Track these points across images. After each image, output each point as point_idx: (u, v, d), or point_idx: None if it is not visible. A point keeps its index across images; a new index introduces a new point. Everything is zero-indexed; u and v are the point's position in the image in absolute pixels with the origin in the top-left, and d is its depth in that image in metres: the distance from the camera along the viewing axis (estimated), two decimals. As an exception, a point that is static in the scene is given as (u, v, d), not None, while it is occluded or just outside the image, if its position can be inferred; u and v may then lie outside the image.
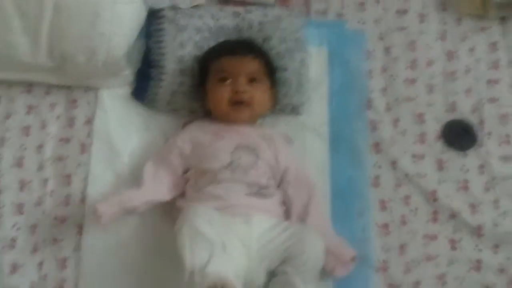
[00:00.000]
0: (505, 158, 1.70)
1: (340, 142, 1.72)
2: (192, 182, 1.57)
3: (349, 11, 1.90)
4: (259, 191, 1.53)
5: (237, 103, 1.60)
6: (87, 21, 1.65)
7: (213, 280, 1.27)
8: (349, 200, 1.65)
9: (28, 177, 1.66)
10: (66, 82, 1.74)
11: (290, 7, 1.86)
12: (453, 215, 1.63)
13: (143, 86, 1.73)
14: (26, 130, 1.71)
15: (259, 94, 1.62)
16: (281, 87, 1.71)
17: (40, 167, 1.67)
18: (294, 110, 1.73)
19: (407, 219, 1.63)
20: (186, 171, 1.60)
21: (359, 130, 1.73)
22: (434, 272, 1.58)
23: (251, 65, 1.63)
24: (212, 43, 1.75)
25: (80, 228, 1.59)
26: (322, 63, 1.81)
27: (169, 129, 1.70)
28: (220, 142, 1.58)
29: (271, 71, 1.68)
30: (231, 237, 1.40)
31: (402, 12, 1.89)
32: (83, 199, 1.62)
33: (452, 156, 1.71)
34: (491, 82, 1.80)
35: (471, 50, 1.84)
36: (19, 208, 1.63)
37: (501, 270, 1.58)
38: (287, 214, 1.57)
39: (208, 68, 1.65)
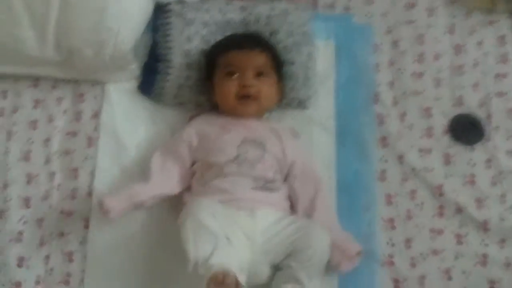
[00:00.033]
0: (512, 153, 1.70)
1: (346, 136, 1.71)
2: (198, 175, 1.57)
3: (356, 5, 1.89)
4: (265, 185, 1.53)
5: (244, 97, 1.60)
6: (94, 15, 1.65)
7: (216, 271, 1.28)
8: (355, 194, 1.65)
9: (35, 170, 1.67)
10: (73, 76, 1.75)
11: (297, 1, 1.85)
12: (459, 210, 1.63)
13: (149, 80, 1.74)
14: (33, 124, 1.72)
15: (266, 88, 1.62)
16: (288, 81, 1.71)
17: (47, 161, 1.68)
18: (301, 104, 1.73)
19: (413, 213, 1.63)
20: (193, 164, 1.61)
21: (366, 124, 1.73)
22: (440, 267, 1.58)
23: (259, 59, 1.63)
24: (219, 37, 1.75)
25: (86, 222, 1.60)
26: (329, 56, 1.81)
27: (176, 123, 1.71)
28: (226, 136, 1.58)
29: (278, 65, 1.68)
30: (235, 230, 1.41)
31: (410, 5, 1.88)
32: (89, 193, 1.63)
33: (459, 151, 1.70)
34: (499, 76, 1.79)
35: (479, 43, 1.83)
36: (26, 202, 1.64)
37: (507, 265, 1.57)
38: (293, 208, 1.58)
39: (215, 62, 1.66)
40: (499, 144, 1.70)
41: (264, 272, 1.44)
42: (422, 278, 1.57)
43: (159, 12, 1.79)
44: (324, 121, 1.73)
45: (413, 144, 1.71)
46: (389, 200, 1.65)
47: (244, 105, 1.61)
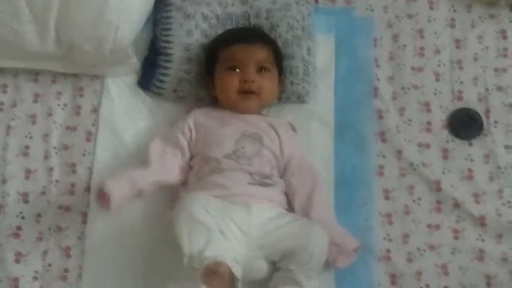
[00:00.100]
0: (510, 147, 1.70)
1: (345, 130, 1.72)
2: (195, 170, 1.57)
3: (358, -2, 1.89)
4: (262, 180, 1.54)
5: (246, 92, 1.60)
6: (95, 9, 1.65)
7: (210, 262, 1.29)
8: (353, 188, 1.65)
9: (33, 166, 1.68)
10: (73, 70, 1.75)
11: (298, -6, 1.85)
12: (457, 205, 1.63)
13: (149, 74, 1.74)
14: (32, 119, 1.73)
15: (268, 83, 1.63)
16: (288, 75, 1.71)
17: (46, 156, 1.69)
18: (300, 98, 1.73)
19: (410, 208, 1.64)
20: (191, 158, 1.61)
21: (365, 119, 1.73)
22: (436, 262, 1.58)
23: (260, 54, 1.63)
24: (219, 31, 1.75)
25: (84, 217, 1.61)
26: (329, 50, 1.81)
27: (175, 117, 1.70)
28: (225, 129, 1.59)
29: (279, 60, 1.68)
30: (230, 225, 1.42)
31: (412, -2, 1.88)
32: (88, 188, 1.63)
33: (457, 145, 1.71)
34: (498, 70, 1.79)
35: (480, 37, 1.83)
36: (24, 197, 1.64)
37: (504, 260, 1.58)
38: (290, 204, 1.58)
39: (216, 56, 1.66)
40: (497, 139, 1.71)
41: (260, 267, 1.45)
42: (418, 274, 1.57)
43: (160, 6, 1.79)
44: (323, 115, 1.73)
45: (412, 139, 1.71)
46: (386, 195, 1.65)
47: (245, 100, 1.61)
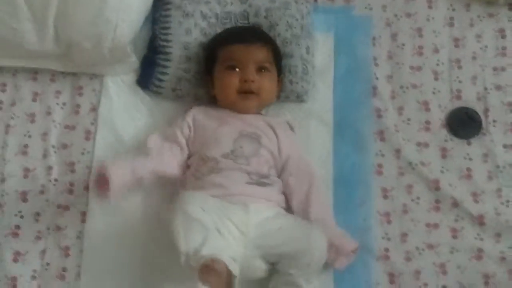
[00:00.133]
0: (509, 147, 1.70)
1: (344, 129, 1.72)
2: (193, 169, 1.57)
3: (357, -4, 1.89)
4: (260, 180, 1.54)
5: (245, 92, 1.60)
6: (93, 7, 1.65)
7: (207, 259, 1.28)
8: (351, 187, 1.65)
9: (32, 165, 1.67)
10: (72, 69, 1.75)
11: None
12: (455, 204, 1.64)
13: (148, 73, 1.74)
14: (31, 117, 1.73)
15: (267, 83, 1.63)
16: (287, 74, 1.71)
17: (45, 155, 1.68)
18: (299, 97, 1.73)
19: (409, 207, 1.64)
20: (189, 157, 1.61)
21: (364, 118, 1.73)
22: (435, 261, 1.59)
23: (260, 54, 1.63)
24: (218, 30, 1.75)
25: (83, 216, 1.61)
26: (328, 49, 1.81)
27: (175, 116, 1.70)
28: (223, 129, 1.59)
29: (278, 59, 1.68)
30: (227, 224, 1.41)
31: (411, -3, 1.88)
32: (86, 187, 1.63)
33: (456, 145, 1.71)
34: (497, 69, 1.79)
35: (479, 36, 1.83)
36: (23, 196, 1.64)
37: (502, 259, 1.58)
38: (288, 204, 1.58)
39: (215, 55, 1.65)
40: (496, 138, 1.71)
41: (258, 267, 1.45)
42: (417, 273, 1.58)
43: (158, 4, 1.79)
44: (322, 114, 1.73)
45: (410, 138, 1.71)
46: (385, 194, 1.65)
47: (245, 100, 1.61)
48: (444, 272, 1.58)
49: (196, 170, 1.56)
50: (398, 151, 1.69)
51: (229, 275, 1.31)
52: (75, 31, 1.66)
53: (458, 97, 1.76)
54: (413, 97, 1.76)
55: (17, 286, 1.56)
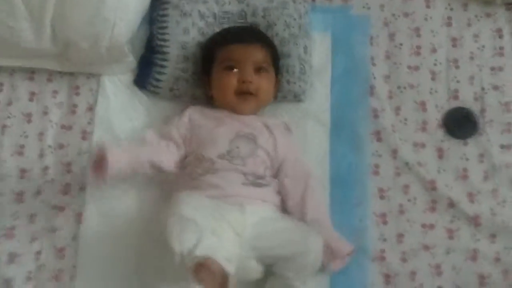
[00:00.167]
0: (505, 147, 1.70)
1: (341, 129, 1.72)
2: (189, 170, 1.57)
3: (354, -4, 1.89)
4: (256, 181, 1.54)
5: (244, 93, 1.60)
6: (91, 6, 1.64)
7: (201, 259, 1.28)
8: (348, 188, 1.65)
9: (28, 165, 1.67)
10: (69, 68, 1.75)
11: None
12: (452, 204, 1.64)
13: (146, 73, 1.74)
14: (27, 117, 1.72)
15: (266, 84, 1.63)
16: (284, 74, 1.71)
17: (41, 155, 1.68)
18: (297, 97, 1.73)
19: (405, 208, 1.64)
20: (185, 157, 1.61)
21: (361, 118, 1.73)
22: (430, 262, 1.59)
23: (259, 54, 1.63)
24: (216, 29, 1.75)
25: (79, 217, 1.60)
26: (325, 49, 1.81)
27: (172, 116, 1.70)
28: (220, 129, 1.59)
29: (276, 60, 1.68)
30: (222, 225, 1.41)
31: (409, -4, 1.88)
32: (82, 188, 1.63)
33: (452, 145, 1.71)
34: (494, 69, 1.79)
35: (476, 36, 1.83)
36: (19, 197, 1.64)
37: (497, 260, 1.58)
38: (284, 205, 1.58)
39: (213, 55, 1.65)
40: (493, 138, 1.71)
41: (254, 268, 1.45)
42: (413, 274, 1.58)
43: (156, 4, 1.79)
44: (319, 114, 1.73)
45: (407, 138, 1.71)
46: (381, 194, 1.65)
47: (243, 101, 1.61)
48: (440, 273, 1.58)
49: (192, 170, 1.55)
50: (394, 152, 1.70)
51: (224, 275, 1.31)
52: (72, 30, 1.66)
53: (455, 97, 1.76)
54: (410, 97, 1.76)
55: (12, 288, 1.56)
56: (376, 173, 1.68)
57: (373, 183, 1.66)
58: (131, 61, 1.75)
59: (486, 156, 1.69)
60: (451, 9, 1.87)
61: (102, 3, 1.64)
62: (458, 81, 1.78)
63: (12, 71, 1.77)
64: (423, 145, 1.71)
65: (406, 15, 1.86)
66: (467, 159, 1.69)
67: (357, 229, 1.60)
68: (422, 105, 1.75)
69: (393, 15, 1.86)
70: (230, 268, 1.31)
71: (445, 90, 1.77)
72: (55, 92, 1.75)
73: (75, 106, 1.73)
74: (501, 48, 1.81)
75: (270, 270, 1.46)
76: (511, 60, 1.79)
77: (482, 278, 1.57)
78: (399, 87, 1.77)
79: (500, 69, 1.79)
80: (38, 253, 1.58)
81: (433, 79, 1.79)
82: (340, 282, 1.55)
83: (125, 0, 1.67)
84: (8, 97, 1.75)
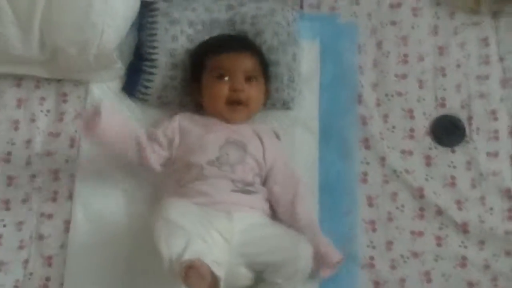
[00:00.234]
0: (492, 154, 1.71)
1: (330, 137, 1.72)
2: (178, 177, 1.56)
3: (342, 4, 1.90)
4: (245, 188, 1.53)
5: (234, 103, 1.60)
6: (79, 12, 1.64)
7: (190, 261, 1.27)
8: (337, 195, 1.65)
9: (15, 172, 1.66)
10: (57, 75, 1.74)
11: (283, 1, 1.85)
12: (440, 212, 1.64)
13: (134, 80, 1.73)
14: (15, 124, 1.71)
15: (256, 93, 1.63)
16: (273, 82, 1.71)
17: (28, 162, 1.67)
18: (285, 104, 1.73)
19: (394, 215, 1.64)
20: (173, 162, 1.59)
21: (349, 125, 1.74)
22: (420, 269, 1.59)
23: (249, 63, 1.63)
24: (205, 37, 1.75)
25: (67, 225, 1.59)
26: (314, 57, 1.82)
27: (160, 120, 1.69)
28: (209, 135, 1.58)
29: (265, 68, 1.68)
30: (210, 231, 1.40)
31: (396, 5, 1.89)
32: (70, 196, 1.62)
33: (440, 152, 1.72)
34: (481, 77, 1.80)
35: (462, 45, 1.84)
36: (6, 205, 1.63)
37: (486, 267, 1.59)
38: (273, 212, 1.58)
39: (203, 63, 1.65)
40: (480, 146, 1.72)
41: (243, 274, 1.45)
42: (402, 281, 1.58)
43: (145, 11, 1.79)
44: (308, 122, 1.73)
45: (395, 146, 1.72)
46: (370, 202, 1.66)
47: (233, 112, 1.61)
48: (429, 280, 1.58)
49: (181, 177, 1.55)
50: (383, 159, 1.70)
51: (214, 279, 1.30)
52: (60, 35, 1.65)
53: (442, 105, 1.77)
54: (398, 104, 1.77)
55: (-1, 296, 1.54)
56: (364, 180, 1.68)
57: (361, 191, 1.67)
58: (119, 68, 1.75)
59: (474, 164, 1.70)
60: (438, 18, 1.88)
61: (90, 7, 1.63)
62: (445, 89, 1.79)
63: (-1, 77, 1.76)
64: (410, 153, 1.72)
65: (393, 23, 1.87)
66: (454, 167, 1.70)
67: (346, 236, 1.60)
68: (410, 113, 1.76)
69: (381, 23, 1.87)
70: (220, 272, 1.30)
71: (432, 98, 1.78)
72: (42, 99, 1.74)
73: (62, 113, 1.72)
74: (487, 56, 1.83)
75: (260, 277, 1.46)
76: (497, 68, 1.81)
77: (471, 285, 1.58)
78: (386, 95, 1.78)
79: (487, 77, 1.80)
80: (26, 261, 1.57)
81: (420, 87, 1.80)
82: (330, 289, 1.55)
83: (114, 6, 1.67)
84: (-5, 104, 1.74)
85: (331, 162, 1.69)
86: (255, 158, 1.57)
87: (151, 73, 1.71)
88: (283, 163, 1.62)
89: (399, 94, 1.78)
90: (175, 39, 1.73)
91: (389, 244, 1.61)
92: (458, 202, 1.66)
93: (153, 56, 1.72)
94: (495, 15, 1.87)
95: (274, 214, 1.58)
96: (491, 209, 1.65)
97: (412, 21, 1.87)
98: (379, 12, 1.89)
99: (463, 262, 1.60)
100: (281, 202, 1.58)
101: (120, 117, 1.54)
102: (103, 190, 1.63)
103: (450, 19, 1.88)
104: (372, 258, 1.60)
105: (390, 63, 1.82)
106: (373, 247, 1.61)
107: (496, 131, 1.74)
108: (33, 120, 1.72)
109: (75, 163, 1.66)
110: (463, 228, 1.63)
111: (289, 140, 1.70)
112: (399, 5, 1.89)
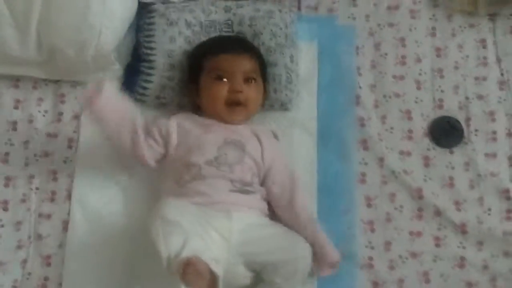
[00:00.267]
0: (490, 155, 1.71)
1: (328, 138, 1.72)
2: (176, 176, 1.55)
3: (340, 6, 1.90)
4: (243, 188, 1.53)
5: (233, 104, 1.60)
6: (77, 13, 1.64)
7: (188, 258, 1.26)
8: (335, 196, 1.66)
9: (13, 173, 1.66)
10: (55, 76, 1.74)
11: (281, 2, 1.85)
12: (438, 212, 1.65)
13: (132, 81, 1.73)
14: (13, 125, 1.72)
15: (254, 94, 1.63)
16: (271, 83, 1.71)
17: (26, 163, 1.67)
18: (283, 106, 1.73)
19: (392, 216, 1.64)
20: (172, 162, 1.59)
21: (347, 126, 1.74)
22: (418, 269, 1.59)
23: (248, 64, 1.63)
24: (202, 38, 1.75)
25: (65, 225, 1.59)
26: (312, 58, 1.82)
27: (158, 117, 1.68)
28: (208, 135, 1.58)
29: (264, 70, 1.69)
30: (208, 230, 1.41)
31: (394, 7, 1.89)
32: (68, 196, 1.62)
33: (438, 153, 1.72)
34: (479, 79, 1.80)
35: (460, 46, 1.85)
36: (4, 205, 1.63)
37: (485, 267, 1.59)
38: (272, 211, 1.58)
39: (201, 64, 1.64)
40: (478, 147, 1.72)
41: (242, 274, 1.45)
42: (400, 281, 1.58)
43: (143, 12, 1.79)
44: (306, 123, 1.73)
45: (393, 147, 1.72)
46: (368, 202, 1.66)
47: (232, 113, 1.61)
48: (428, 281, 1.58)
49: (179, 177, 1.54)
50: (381, 160, 1.70)
51: (212, 277, 1.29)
52: (58, 37, 1.65)
53: (440, 106, 1.77)
54: (396, 106, 1.77)
55: (-2, 296, 1.54)
56: (363, 181, 1.69)
57: (360, 191, 1.67)
58: (117, 69, 1.75)
59: (472, 165, 1.70)
60: (436, 19, 1.88)
61: (88, 9, 1.63)
62: (442, 91, 1.79)
63: (-4, 78, 1.76)
64: (409, 154, 1.72)
65: (391, 25, 1.87)
66: (453, 168, 1.70)
67: (345, 236, 1.60)
68: (408, 114, 1.76)
69: (378, 25, 1.87)
70: (218, 269, 1.30)
71: (430, 99, 1.78)
72: (40, 100, 1.74)
73: (60, 114, 1.72)
74: (485, 58, 1.83)
75: (259, 276, 1.46)
76: (495, 70, 1.81)
77: (470, 285, 1.58)
78: (384, 96, 1.78)
79: (484, 78, 1.81)
80: (24, 261, 1.58)
81: (418, 88, 1.80)
82: (329, 289, 1.55)
83: (111, 7, 1.67)
84: (-8, 105, 1.73)
85: (329, 163, 1.69)
86: (254, 158, 1.57)
87: (149, 74, 1.71)
88: (281, 163, 1.62)
89: (397, 95, 1.79)
90: (173, 40, 1.73)
91: (388, 244, 1.62)
92: (457, 203, 1.66)
93: (151, 57, 1.72)
94: (492, 17, 1.88)
95: (272, 214, 1.59)
96: (489, 209, 1.65)
97: (409, 23, 1.88)
98: (377, 14, 1.89)
99: (461, 262, 1.60)
100: (280, 201, 1.58)
101: (120, 98, 1.54)
102: (101, 191, 1.63)
103: (448, 21, 1.88)
104: (370, 258, 1.60)
105: (388, 65, 1.82)
106: (372, 248, 1.61)
107: (494, 132, 1.74)
108: (31, 121, 1.72)
109: (73, 163, 1.66)
110: (462, 229, 1.63)
111: (287, 141, 1.70)
112: (396, 7, 1.89)
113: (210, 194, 1.49)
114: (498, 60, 1.82)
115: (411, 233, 1.63)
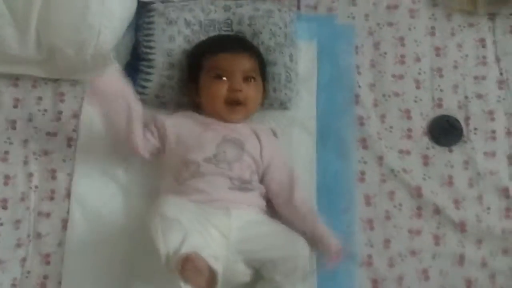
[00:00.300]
0: (489, 154, 1.72)
1: (327, 137, 1.72)
2: (175, 174, 1.56)
3: (339, 6, 1.90)
4: (242, 185, 1.53)
5: (233, 103, 1.60)
6: (76, 13, 1.64)
7: (187, 254, 1.26)
8: (335, 194, 1.66)
9: (12, 171, 1.66)
10: (54, 75, 1.74)
11: (281, 1, 1.86)
12: (437, 211, 1.65)
13: (131, 80, 1.72)
14: (12, 124, 1.71)
15: (254, 93, 1.63)
16: (270, 82, 1.71)
17: (25, 162, 1.67)
18: (283, 105, 1.74)
19: (391, 214, 1.65)
20: (170, 160, 1.59)
21: (347, 125, 1.74)
22: (417, 267, 1.60)
23: (247, 63, 1.63)
24: (202, 37, 1.75)
25: (64, 223, 1.59)
26: (311, 57, 1.82)
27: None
28: (207, 133, 1.58)
29: (263, 69, 1.69)
30: (208, 227, 1.41)
31: (393, 7, 1.90)
32: (67, 195, 1.62)
33: (437, 152, 1.72)
34: (478, 78, 1.81)
35: (459, 46, 1.85)
36: (3, 203, 1.62)
37: (484, 265, 1.60)
38: (271, 209, 1.58)
39: (200, 63, 1.65)
40: (477, 146, 1.73)
41: (241, 271, 1.44)
42: (400, 278, 1.58)
43: (142, 11, 1.79)
44: (306, 122, 1.73)
45: (393, 146, 1.72)
46: (368, 201, 1.66)
47: (232, 112, 1.61)
48: (427, 278, 1.59)
49: (178, 175, 1.54)
50: (380, 159, 1.70)
51: (211, 273, 1.29)
52: (57, 36, 1.65)
53: (440, 105, 1.78)
54: (395, 105, 1.77)
55: (-3, 295, 1.54)
56: (362, 180, 1.69)
57: (359, 190, 1.67)
58: (116, 68, 1.74)
59: (471, 164, 1.70)
60: (435, 19, 1.89)
61: (87, 9, 1.63)
62: (442, 90, 1.80)
63: (-4, 77, 1.76)
64: (408, 152, 1.72)
65: (390, 24, 1.88)
66: (452, 166, 1.71)
67: (344, 234, 1.60)
68: (407, 113, 1.77)
69: (378, 24, 1.88)
70: (217, 266, 1.30)
71: (430, 98, 1.79)
72: (39, 98, 1.74)
73: (59, 113, 1.72)
74: (484, 57, 1.83)
75: (259, 274, 1.45)
76: (494, 69, 1.82)
77: (469, 282, 1.58)
78: (384, 95, 1.79)
79: (483, 77, 1.81)
80: (24, 259, 1.57)
81: (417, 87, 1.80)
82: (328, 287, 1.55)
83: (111, 7, 1.67)
84: (-8, 104, 1.73)
85: (328, 161, 1.69)
86: (252, 156, 1.58)
87: (148, 73, 1.71)
88: (280, 161, 1.62)
89: (396, 94, 1.79)
90: (172, 39, 1.73)
91: (387, 242, 1.62)
92: (456, 201, 1.66)
93: (150, 56, 1.72)
94: (492, 16, 1.88)
95: (272, 211, 1.58)
96: (489, 208, 1.66)
97: (409, 22, 1.88)
98: (376, 13, 1.89)
99: (460, 260, 1.60)
100: (279, 197, 1.58)
101: (124, 82, 1.53)
102: (100, 189, 1.63)
103: (447, 21, 1.89)
104: (370, 256, 1.60)
105: (387, 64, 1.82)
106: (371, 246, 1.61)
107: (493, 131, 1.74)
108: (30, 120, 1.72)
109: (72, 162, 1.66)
110: (461, 227, 1.63)
111: (286, 140, 1.70)
112: (396, 6, 1.90)
113: (209, 192, 1.50)
114: (497, 60, 1.83)
115: (410, 231, 1.63)
